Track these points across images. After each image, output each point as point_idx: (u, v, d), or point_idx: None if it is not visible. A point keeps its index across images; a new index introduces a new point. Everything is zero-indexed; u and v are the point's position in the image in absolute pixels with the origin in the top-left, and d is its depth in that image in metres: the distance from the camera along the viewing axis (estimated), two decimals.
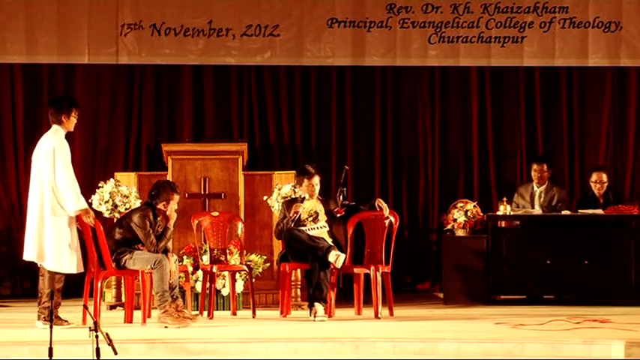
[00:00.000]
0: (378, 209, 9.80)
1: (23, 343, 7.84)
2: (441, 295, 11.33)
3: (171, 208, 9.25)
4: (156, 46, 12.44)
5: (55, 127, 9.00)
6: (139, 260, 9.06)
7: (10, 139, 12.63)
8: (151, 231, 9.10)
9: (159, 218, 9.21)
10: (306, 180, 9.83)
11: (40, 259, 8.85)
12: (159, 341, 7.91)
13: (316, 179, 9.82)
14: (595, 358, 7.59)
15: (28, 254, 8.91)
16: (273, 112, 12.82)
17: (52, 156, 8.83)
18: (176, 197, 9.28)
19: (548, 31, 12.53)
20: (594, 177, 11.54)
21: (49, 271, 8.85)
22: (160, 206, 9.21)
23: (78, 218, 8.88)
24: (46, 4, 12.37)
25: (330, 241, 9.63)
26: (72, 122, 9.06)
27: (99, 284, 8.99)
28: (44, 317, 8.71)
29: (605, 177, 11.53)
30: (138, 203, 10.40)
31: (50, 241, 8.80)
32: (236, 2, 12.50)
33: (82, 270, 8.99)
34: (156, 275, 8.96)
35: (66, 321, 8.85)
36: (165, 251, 9.16)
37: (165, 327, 8.76)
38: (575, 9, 12.52)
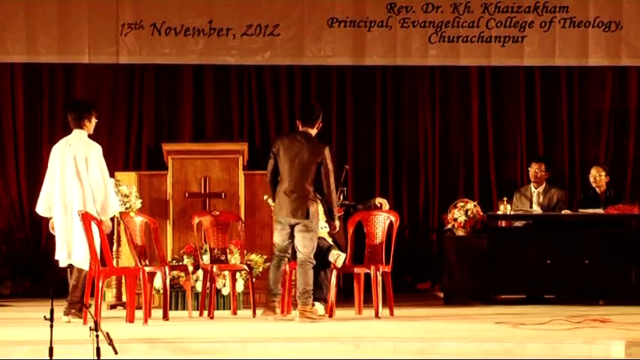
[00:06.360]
0: (379, 205, 9.79)
1: (23, 342, 7.83)
2: (442, 295, 11.33)
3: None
4: (156, 45, 12.44)
5: (77, 131, 9.18)
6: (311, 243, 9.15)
7: (10, 138, 12.63)
8: None
9: None
10: None
11: (84, 264, 9.02)
12: (159, 341, 7.91)
13: None
14: (595, 357, 7.58)
15: (78, 258, 9.04)
16: (273, 112, 12.82)
17: (97, 162, 9.04)
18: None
19: (548, 30, 12.53)
20: (593, 172, 11.58)
21: (81, 269, 9.04)
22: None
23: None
24: (46, 4, 12.37)
25: (330, 240, 9.62)
26: (94, 124, 9.29)
27: (100, 283, 8.99)
28: (74, 311, 9.00)
29: (603, 172, 11.54)
30: (139, 203, 10.39)
31: (91, 244, 8.93)
32: (236, 2, 12.50)
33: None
34: (308, 272, 9.06)
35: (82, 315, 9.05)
36: None
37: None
38: (575, 9, 12.52)
